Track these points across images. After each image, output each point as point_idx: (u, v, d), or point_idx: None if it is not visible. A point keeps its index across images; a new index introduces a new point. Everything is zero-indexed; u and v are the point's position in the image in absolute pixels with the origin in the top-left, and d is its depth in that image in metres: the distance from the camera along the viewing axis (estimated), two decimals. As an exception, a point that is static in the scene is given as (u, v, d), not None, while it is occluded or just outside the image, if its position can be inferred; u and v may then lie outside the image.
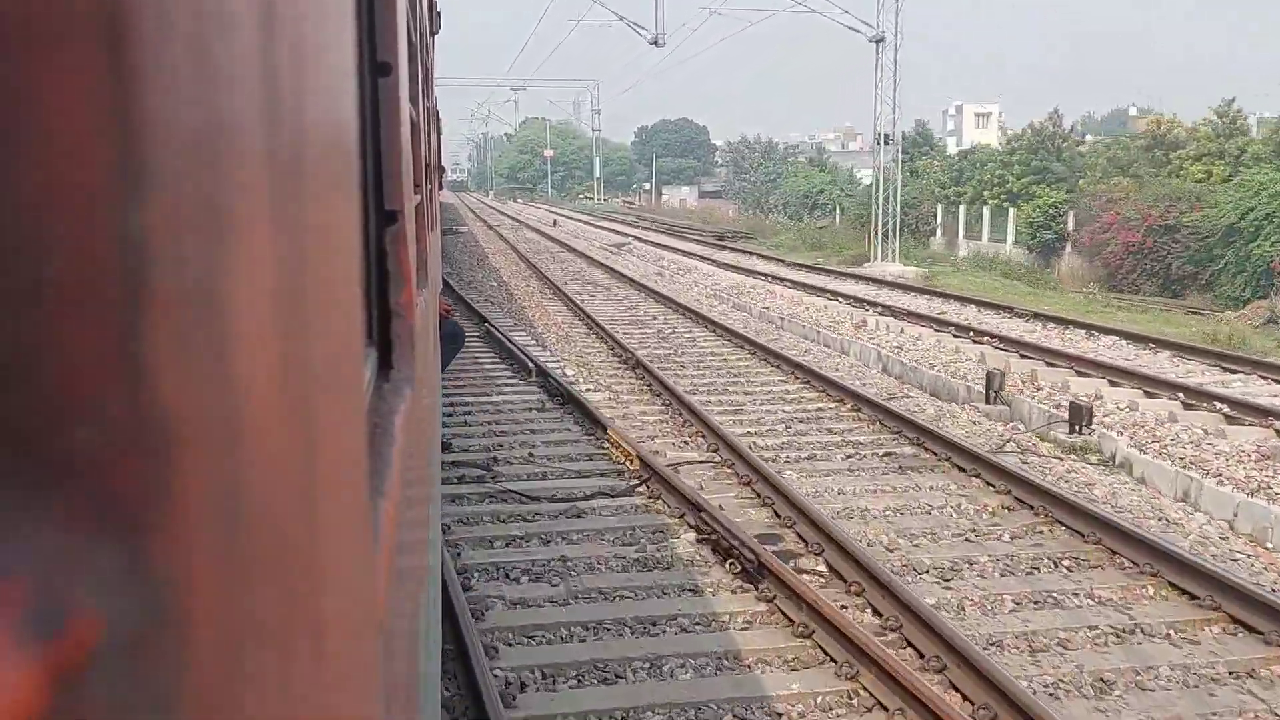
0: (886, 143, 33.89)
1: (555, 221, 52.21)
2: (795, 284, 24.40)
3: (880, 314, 19.30)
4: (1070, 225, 37.45)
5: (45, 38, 0.33)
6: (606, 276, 26.99)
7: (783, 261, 31.03)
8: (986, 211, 41.87)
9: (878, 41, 32.60)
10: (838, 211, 53.13)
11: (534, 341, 16.53)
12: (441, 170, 15.42)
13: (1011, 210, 39.97)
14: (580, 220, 57.06)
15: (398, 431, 1.47)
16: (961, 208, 43.56)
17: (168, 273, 0.39)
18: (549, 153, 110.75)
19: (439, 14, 8.07)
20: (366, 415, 1.26)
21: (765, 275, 26.45)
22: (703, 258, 31.72)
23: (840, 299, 21.59)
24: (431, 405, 3.80)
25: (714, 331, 17.97)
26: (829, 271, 28.54)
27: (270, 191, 0.56)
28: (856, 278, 26.90)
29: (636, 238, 40.34)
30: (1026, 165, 41.87)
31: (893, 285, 24.75)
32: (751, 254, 33.59)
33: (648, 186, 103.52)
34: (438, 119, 10.22)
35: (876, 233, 33.50)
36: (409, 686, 1.72)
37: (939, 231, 44.34)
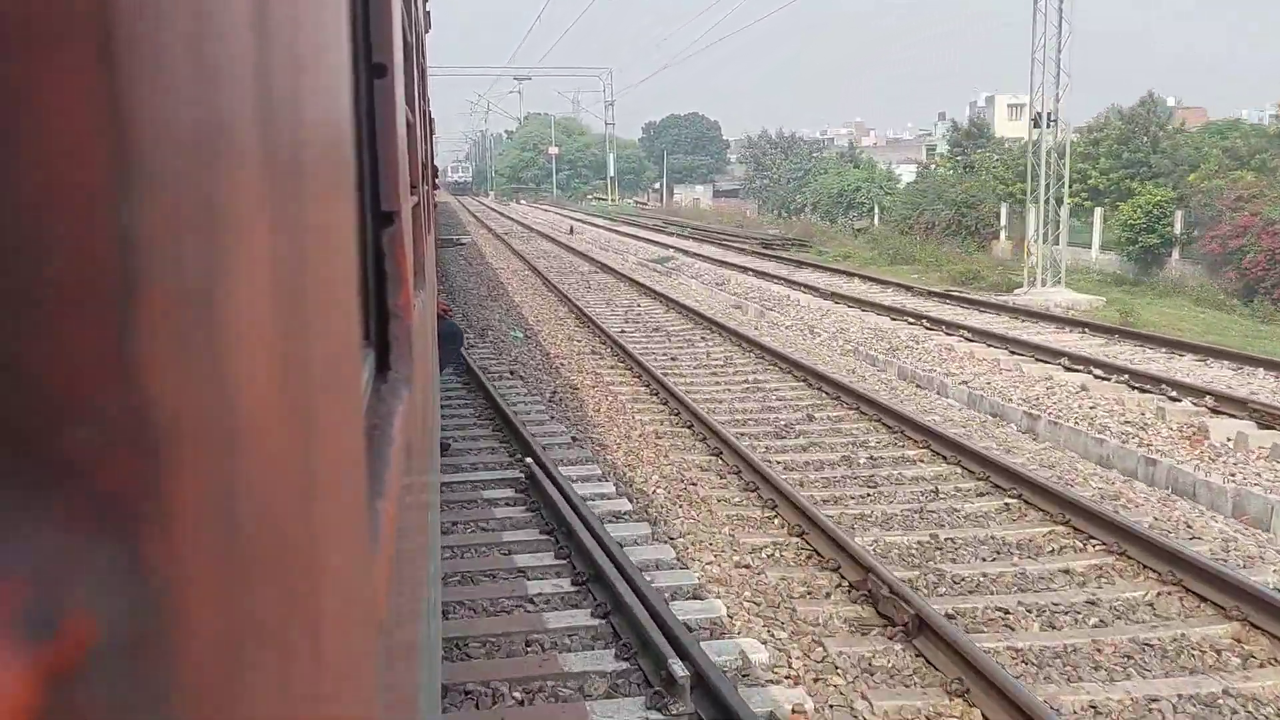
0: (1049, 123, 24.51)
1: (571, 228, 45.15)
2: (971, 333, 15.89)
3: (1213, 412, 10.78)
4: (1177, 228, 30.97)
5: (42, 38, 0.34)
6: (674, 315, 19.33)
7: (904, 287, 22.54)
8: (1064, 212, 34.75)
9: (1039, -17, 23.61)
10: (877, 212, 46.90)
11: (620, 496, 8.74)
12: (435, 171, 14.61)
13: (1098, 210, 33.09)
14: (598, 226, 49.49)
15: (396, 432, 1.47)
16: (1031, 208, 38.22)
17: (165, 272, 0.39)
18: (554, 150, 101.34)
19: (429, 13, 8.08)
20: (365, 416, 1.26)
21: (899, 313, 18.29)
22: (788, 281, 23.85)
23: (1091, 370, 12.92)
24: (430, 406, 3.81)
25: (955, 463, 9.54)
26: (977, 304, 20.16)
27: (267, 192, 0.56)
28: (1024, 314, 18.53)
29: (675, 248, 34.12)
30: (1115, 158, 34.99)
31: (1096, 328, 16.88)
32: (844, 273, 25.97)
33: (657, 185, 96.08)
34: (431, 120, 10.22)
35: (1035, 242, 25.02)
36: (409, 688, 1.72)
37: (1003, 234, 37.79)
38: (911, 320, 17.82)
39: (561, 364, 14.71)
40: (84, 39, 0.35)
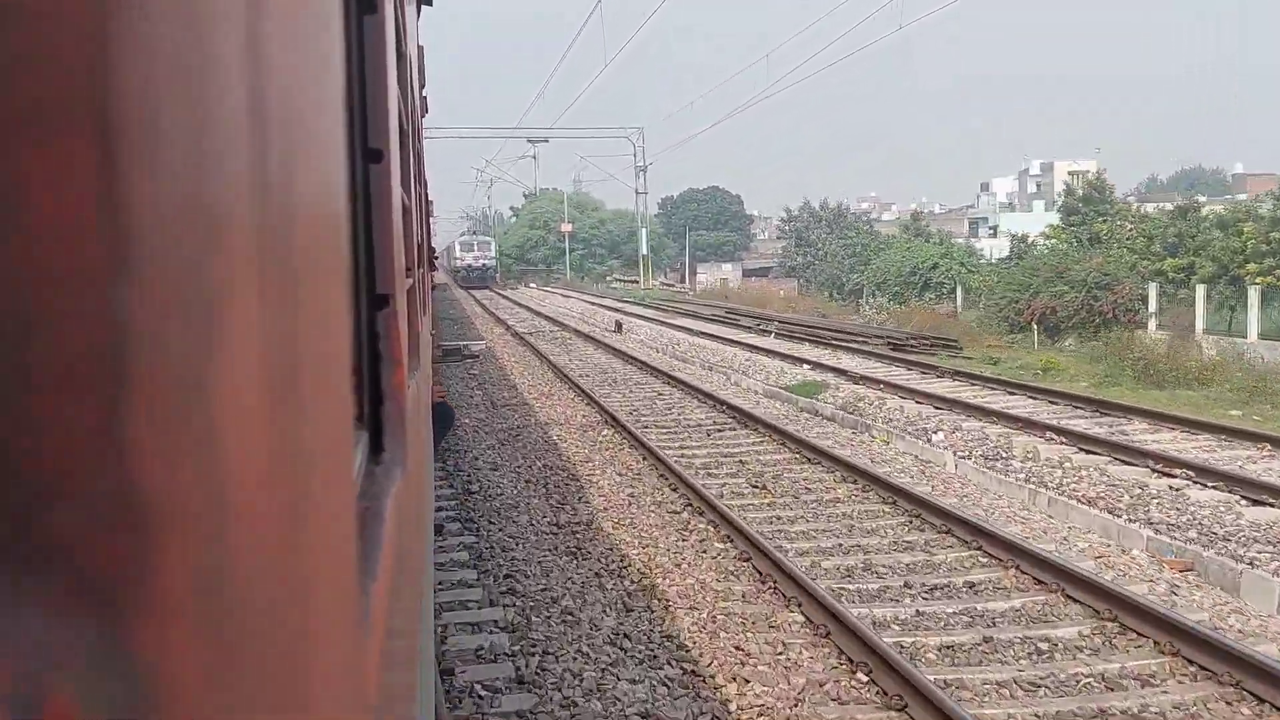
0: None
1: (619, 324, 33.14)
2: None
3: None
4: None
5: (40, 123, 0.34)
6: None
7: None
8: (1254, 295, 26.87)
9: None
10: (959, 294, 39.41)
11: None
12: (433, 252, 13.65)
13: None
14: (646, 318, 36.91)
15: (388, 514, 1.46)
16: (1200, 289, 28.79)
17: (157, 355, 0.39)
18: (566, 227, 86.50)
19: (425, 98, 8.24)
20: (357, 498, 1.25)
21: None
22: (1159, 463, 11.36)
23: None
24: (423, 487, 3.79)
25: None
26: None
27: (261, 275, 0.57)
28: None
29: (784, 355, 23.16)
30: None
31: None
32: (1158, 419, 14.47)
33: (677, 265, 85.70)
34: (430, 203, 10.36)
35: None
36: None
37: (1152, 323, 29.37)
38: None
39: None
40: (81, 124, 0.36)
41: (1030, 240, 43.87)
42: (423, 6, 6.63)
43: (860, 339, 27.13)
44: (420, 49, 6.52)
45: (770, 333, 29.13)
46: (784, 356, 22.94)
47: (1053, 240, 41.08)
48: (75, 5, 0.36)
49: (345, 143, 1.13)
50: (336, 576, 0.85)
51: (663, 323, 34.31)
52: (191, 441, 0.43)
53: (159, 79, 0.40)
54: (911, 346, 25.66)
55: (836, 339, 27.17)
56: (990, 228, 66.03)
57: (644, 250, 65.78)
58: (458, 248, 73.63)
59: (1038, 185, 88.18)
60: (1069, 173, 79.45)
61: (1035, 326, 29.44)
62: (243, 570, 0.51)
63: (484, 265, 71.94)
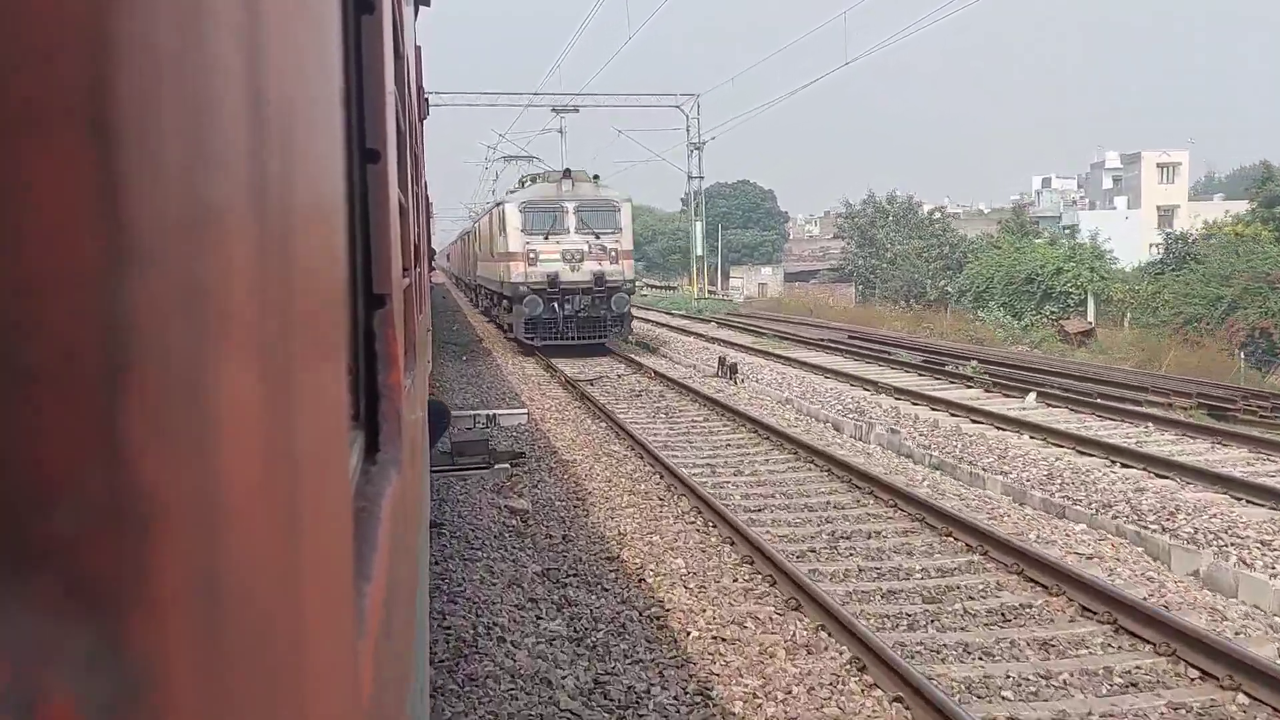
0: None
1: (729, 365, 20.55)
2: None
3: None
4: None
5: (36, 120, 0.34)
6: None
7: None
8: None
9: None
10: (1090, 305, 31.45)
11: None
12: (432, 252, 12.87)
13: None
14: (738, 345, 25.26)
15: (384, 514, 1.46)
16: None
17: (152, 355, 0.39)
18: None
19: (427, 100, 8.25)
20: (353, 498, 1.25)
21: None
22: None
23: None
24: (419, 487, 3.79)
25: None
26: None
27: (257, 275, 0.57)
28: None
29: (1206, 474, 10.38)
30: None
31: None
32: None
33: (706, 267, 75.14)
34: (428, 203, 10.36)
35: None
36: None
37: None
38: None
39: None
40: (78, 122, 0.36)
41: (1192, 239, 34.20)
42: (420, 6, 6.63)
43: (1150, 396, 16.79)
44: (418, 49, 6.52)
45: (1029, 392, 16.88)
46: (1167, 466, 11.09)
47: (1245, 237, 31.58)
48: (75, 5, 0.36)
49: (343, 143, 1.13)
50: (332, 577, 0.85)
51: (771, 355, 23.02)
52: (188, 441, 0.43)
53: (157, 79, 0.40)
54: (1238, 414, 15.70)
55: (1116, 399, 16.53)
56: (1065, 228, 55.88)
57: (699, 250, 51.21)
58: (510, 235, 26.19)
59: (1114, 179, 75.67)
60: (1157, 165, 69.58)
61: (1239, 353, 21.48)
62: (239, 570, 0.50)
63: (606, 280, 25.87)
